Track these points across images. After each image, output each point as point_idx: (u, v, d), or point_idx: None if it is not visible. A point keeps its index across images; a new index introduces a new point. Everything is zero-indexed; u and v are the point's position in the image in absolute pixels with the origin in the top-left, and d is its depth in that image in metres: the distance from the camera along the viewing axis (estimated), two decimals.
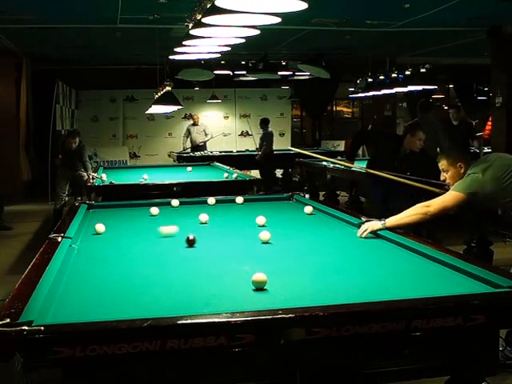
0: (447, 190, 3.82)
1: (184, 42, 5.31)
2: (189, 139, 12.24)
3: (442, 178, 3.90)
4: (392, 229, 3.34)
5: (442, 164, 3.84)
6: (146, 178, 6.73)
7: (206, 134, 12.17)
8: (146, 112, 9.87)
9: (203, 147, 11.95)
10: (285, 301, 2.14)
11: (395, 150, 5.93)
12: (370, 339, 1.98)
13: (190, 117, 12.65)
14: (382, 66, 11.37)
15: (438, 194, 3.88)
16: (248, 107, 14.36)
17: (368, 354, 2.10)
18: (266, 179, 10.37)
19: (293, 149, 5.89)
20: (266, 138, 11.33)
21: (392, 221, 3.42)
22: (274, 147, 13.23)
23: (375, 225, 3.35)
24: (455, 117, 9.11)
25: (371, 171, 5.70)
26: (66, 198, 8.43)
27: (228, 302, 2.15)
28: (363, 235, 3.31)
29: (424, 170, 5.72)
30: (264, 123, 11.55)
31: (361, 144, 7.26)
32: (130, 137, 13.97)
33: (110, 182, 6.28)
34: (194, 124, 12.23)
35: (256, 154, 11.12)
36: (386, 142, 6.17)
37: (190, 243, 3.13)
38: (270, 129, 11.53)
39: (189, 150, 11.89)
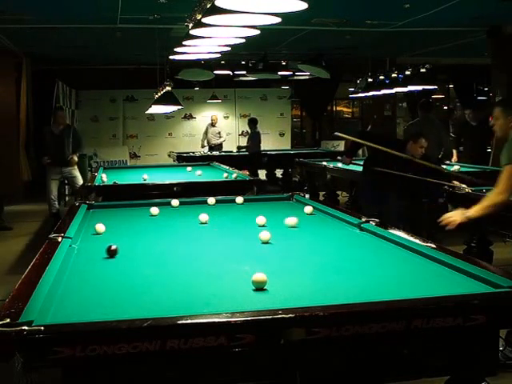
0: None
1: (184, 42, 5.31)
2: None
3: (491, 124, 4.02)
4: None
5: (496, 111, 3.94)
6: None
7: (220, 137, 12.39)
8: (146, 112, 9.87)
9: (219, 147, 12.21)
10: (285, 301, 2.14)
11: (395, 156, 5.98)
12: (369, 339, 1.98)
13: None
14: (382, 66, 11.37)
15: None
16: (248, 107, 14.37)
17: (368, 354, 2.10)
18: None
19: (339, 134, 5.91)
20: (253, 138, 11.35)
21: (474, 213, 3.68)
22: (274, 147, 13.29)
23: (459, 214, 3.65)
24: (471, 117, 9.09)
25: (423, 162, 5.71)
26: (57, 205, 8.39)
27: (228, 302, 2.15)
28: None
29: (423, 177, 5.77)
30: (252, 123, 11.59)
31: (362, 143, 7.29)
32: (130, 137, 13.98)
33: (114, 182, 6.27)
34: (212, 125, 12.50)
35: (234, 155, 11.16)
36: (388, 147, 6.20)
37: (112, 253, 2.90)
38: (257, 129, 11.58)
39: (206, 149, 12.18)
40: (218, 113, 14.01)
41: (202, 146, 12.52)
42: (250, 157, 11.11)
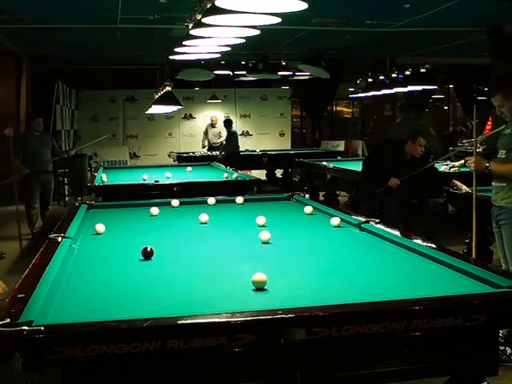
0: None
1: (184, 42, 5.31)
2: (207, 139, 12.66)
3: (498, 114, 4.00)
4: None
5: (497, 100, 3.91)
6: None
7: (220, 137, 12.43)
8: (146, 112, 9.87)
9: (219, 148, 12.14)
10: (285, 301, 2.14)
11: (396, 155, 5.99)
12: (369, 339, 1.98)
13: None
14: (382, 66, 11.36)
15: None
16: (248, 107, 14.38)
17: (368, 354, 2.10)
18: None
19: None
20: (229, 138, 11.29)
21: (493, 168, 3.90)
22: (274, 147, 13.28)
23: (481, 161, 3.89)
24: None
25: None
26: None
27: (228, 302, 2.15)
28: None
29: (423, 175, 5.77)
30: (227, 123, 11.57)
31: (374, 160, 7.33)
32: (129, 137, 13.97)
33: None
34: (212, 126, 12.58)
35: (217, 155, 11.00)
36: (388, 149, 6.21)
37: (148, 255, 2.88)
38: (233, 129, 11.57)
39: (206, 149, 12.27)
40: (218, 113, 14.01)
41: (203, 147, 12.60)
42: (228, 158, 10.68)
